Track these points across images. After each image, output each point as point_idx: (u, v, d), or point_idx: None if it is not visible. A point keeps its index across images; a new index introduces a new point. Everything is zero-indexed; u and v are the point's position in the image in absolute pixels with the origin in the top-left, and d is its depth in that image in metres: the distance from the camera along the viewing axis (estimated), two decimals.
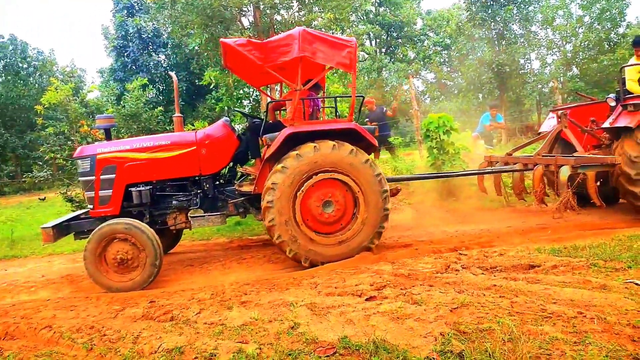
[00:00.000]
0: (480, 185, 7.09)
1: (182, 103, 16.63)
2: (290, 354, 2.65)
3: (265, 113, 5.82)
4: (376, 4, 27.29)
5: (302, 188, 4.77)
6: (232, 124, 5.62)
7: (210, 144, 5.25)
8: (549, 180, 6.08)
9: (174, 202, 5.27)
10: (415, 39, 28.10)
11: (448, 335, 2.65)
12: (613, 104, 6.04)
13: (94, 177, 5.01)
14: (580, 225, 5.75)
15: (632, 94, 5.97)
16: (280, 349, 2.72)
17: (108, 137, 5.40)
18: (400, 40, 28.03)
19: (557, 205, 5.53)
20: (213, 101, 14.31)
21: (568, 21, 22.72)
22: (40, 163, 14.66)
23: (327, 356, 2.60)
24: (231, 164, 5.65)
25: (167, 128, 14.73)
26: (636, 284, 3.27)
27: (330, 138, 4.88)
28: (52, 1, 72.54)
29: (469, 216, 7.03)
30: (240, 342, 2.88)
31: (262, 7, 10.64)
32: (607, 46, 21.29)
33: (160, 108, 14.44)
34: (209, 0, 9.62)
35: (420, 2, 29.12)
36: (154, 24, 17.45)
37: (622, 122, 5.60)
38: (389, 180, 5.71)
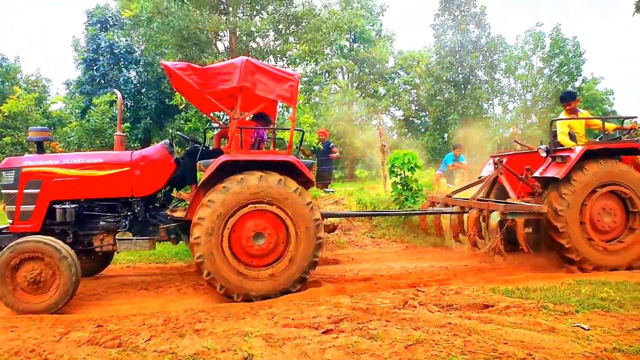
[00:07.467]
0: (422, 223, 7.20)
1: (150, 122, 16.30)
2: None
3: (203, 138, 5.66)
4: (350, 40, 28.05)
5: (230, 220, 4.63)
6: (173, 148, 5.46)
7: (145, 165, 5.07)
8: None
9: (101, 222, 5.02)
10: (387, 76, 28.93)
11: None
12: (544, 154, 6.08)
13: (16, 191, 4.78)
14: (530, 268, 5.82)
15: (563, 146, 6.17)
16: None
17: (40, 150, 5.12)
18: (372, 76, 28.78)
19: (486, 250, 5.48)
20: (182, 122, 14.12)
21: (529, 72, 24.09)
22: None
23: None
24: (167, 188, 5.50)
25: (133, 145, 14.44)
26: (583, 328, 3.38)
27: (269, 170, 4.78)
28: (21, 8, 70.82)
29: (427, 253, 7.13)
30: None
31: (238, 33, 10.72)
32: None
33: (127, 124, 14.20)
34: (185, 22, 9.59)
35: (393, 42, 30.15)
36: (127, 40, 17.26)
37: (550, 173, 5.73)
38: (326, 215, 5.66)
